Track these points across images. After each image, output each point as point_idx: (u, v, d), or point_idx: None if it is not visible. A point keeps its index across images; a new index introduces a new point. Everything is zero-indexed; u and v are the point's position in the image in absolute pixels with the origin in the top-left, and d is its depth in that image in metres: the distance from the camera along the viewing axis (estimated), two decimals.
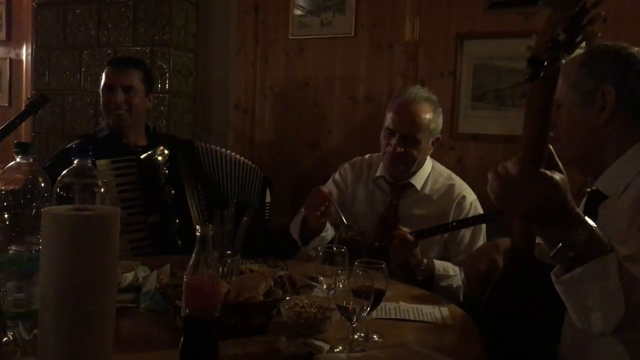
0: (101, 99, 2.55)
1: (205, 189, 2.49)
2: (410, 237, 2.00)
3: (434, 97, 2.27)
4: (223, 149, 2.62)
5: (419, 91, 2.25)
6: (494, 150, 2.70)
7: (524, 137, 1.08)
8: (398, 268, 2.03)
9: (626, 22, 2.43)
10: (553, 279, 1.10)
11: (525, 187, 1.05)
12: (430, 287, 2.03)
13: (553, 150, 1.14)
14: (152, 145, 2.48)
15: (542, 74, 0.96)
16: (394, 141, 2.19)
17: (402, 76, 2.89)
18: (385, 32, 2.93)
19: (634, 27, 2.42)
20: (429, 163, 2.33)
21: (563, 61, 1.01)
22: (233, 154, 2.63)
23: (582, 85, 1.38)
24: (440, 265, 2.10)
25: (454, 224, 2.07)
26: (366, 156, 2.46)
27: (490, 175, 1.10)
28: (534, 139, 1.05)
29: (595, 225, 1.07)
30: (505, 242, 1.62)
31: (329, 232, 2.22)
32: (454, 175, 2.33)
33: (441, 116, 2.27)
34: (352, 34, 3.00)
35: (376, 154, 2.40)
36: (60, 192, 1.16)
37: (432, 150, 2.30)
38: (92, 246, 0.96)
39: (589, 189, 1.47)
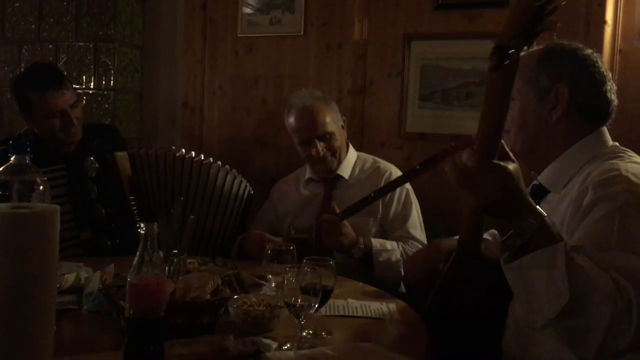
0: (46, 126, 2.31)
1: (145, 203, 2.34)
2: (333, 217, 2.07)
3: (318, 92, 2.42)
4: (206, 158, 2.45)
5: (303, 97, 2.37)
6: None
7: (481, 129, 1.08)
8: (336, 251, 2.09)
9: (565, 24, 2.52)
10: (502, 264, 1.12)
11: (482, 179, 1.07)
12: (371, 264, 2.12)
13: (503, 141, 1.16)
14: (82, 151, 2.33)
15: (505, 63, 0.98)
16: (314, 146, 2.28)
17: (351, 75, 2.91)
18: (335, 32, 2.95)
19: (572, 28, 2.52)
20: (353, 153, 2.45)
21: (524, 50, 1.03)
22: (218, 163, 2.47)
23: (537, 82, 1.40)
24: (377, 241, 2.18)
25: (373, 194, 2.08)
26: (299, 169, 2.55)
27: (447, 167, 1.12)
28: (491, 132, 1.06)
29: (546, 215, 1.10)
30: (447, 243, 1.63)
31: None
32: (378, 159, 2.46)
33: (333, 102, 2.41)
34: (302, 33, 3.00)
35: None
36: None
37: (345, 131, 2.41)
38: (28, 245, 0.93)
39: (533, 183, 1.51)
